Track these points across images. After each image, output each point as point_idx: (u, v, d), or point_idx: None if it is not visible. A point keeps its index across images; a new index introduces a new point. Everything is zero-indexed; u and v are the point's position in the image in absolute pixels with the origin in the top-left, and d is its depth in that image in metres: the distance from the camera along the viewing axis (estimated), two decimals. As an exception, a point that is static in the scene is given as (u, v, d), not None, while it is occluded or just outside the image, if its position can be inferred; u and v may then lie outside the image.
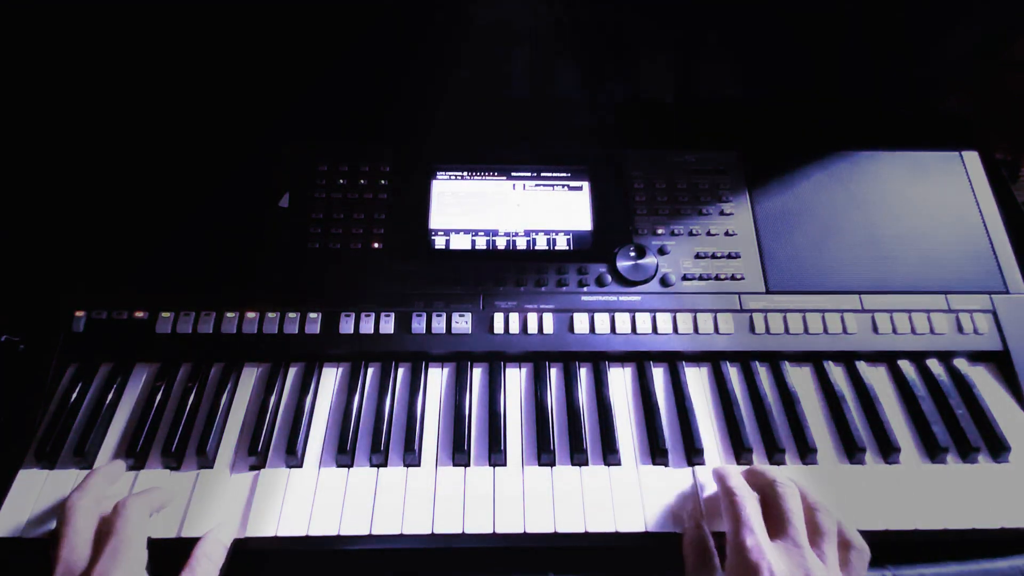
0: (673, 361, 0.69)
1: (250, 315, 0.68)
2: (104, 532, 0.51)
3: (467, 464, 0.61)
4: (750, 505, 0.52)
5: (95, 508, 0.53)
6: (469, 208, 0.77)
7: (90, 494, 0.54)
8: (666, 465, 0.62)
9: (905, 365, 0.69)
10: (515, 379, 0.68)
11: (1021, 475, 0.62)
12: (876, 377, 0.69)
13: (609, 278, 0.72)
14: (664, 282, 0.72)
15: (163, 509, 0.57)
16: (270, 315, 0.68)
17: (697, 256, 0.74)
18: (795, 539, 0.49)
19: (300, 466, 0.61)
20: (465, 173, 0.79)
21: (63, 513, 0.52)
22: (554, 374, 0.68)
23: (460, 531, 0.56)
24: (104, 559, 0.49)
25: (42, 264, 0.72)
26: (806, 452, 0.63)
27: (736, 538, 0.49)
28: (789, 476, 0.57)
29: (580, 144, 0.81)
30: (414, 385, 0.66)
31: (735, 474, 0.56)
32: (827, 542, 0.50)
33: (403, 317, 0.69)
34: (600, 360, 0.69)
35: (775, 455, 0.62)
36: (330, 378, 0.68)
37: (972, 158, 0.80)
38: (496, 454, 0.61)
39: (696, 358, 0.70)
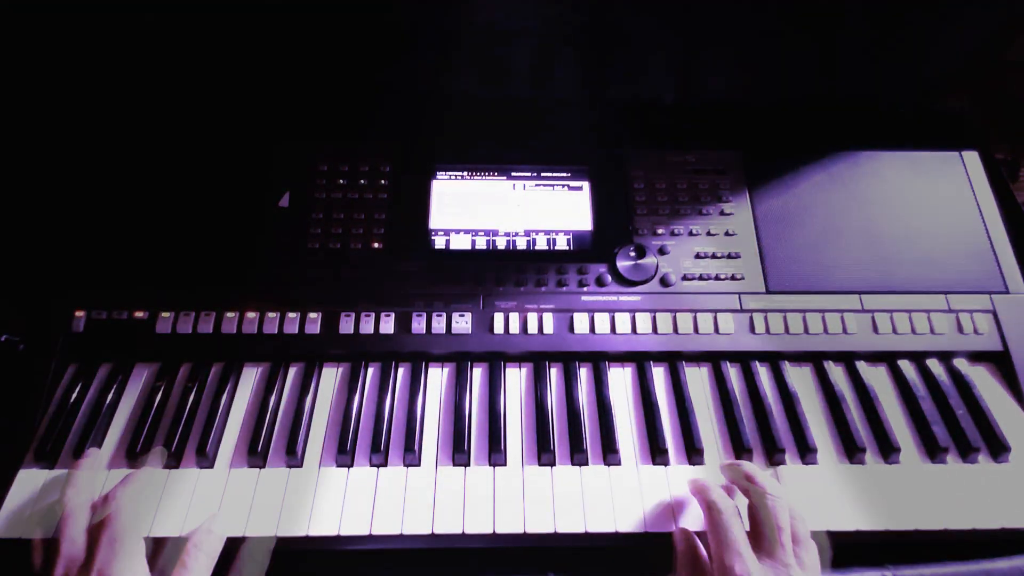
0: (673, 361, 0.69)
1: (250, 315, 0.68)
2: (98, 523, 0.52)
3: (467, 464, 0.61)
4: (735, 525, 0.52)
5: (87, 501, 0.55)
6: (469, 208, 0.77)
7: (80, 488, 0.56)
8: (666, 465, 0.62)
9: (905, 365, 0.69)
10: (515, 379, 0.68)
11: (1021, 475, 0.62)
12: (876, 377, 0.69)
13: (609, 278, 0.72)
14: (664, 282, 0.72)
15: (146, 490, 0.58)
16: (270, 315, 0.68)
17: (697, 256, 0.74)
18: (783, 560, 0.50)
19: (300, 466, 0.61)
20: (465, 173, 0.79)
21: (61, 510, 0.53)
22: (554, 374, 0.68)
23: (460, 531, 0.57)
24: (103, 549, 0.50)
25: (42, 264, 0.72)
26: (806, 452, 0.63)
27: (723, 562, 0.50)
28: (773, 476, 0.57)
29: (580, 144, 0.81)
30: (414, 385, 0.66)
31: (714, 485, 0.56)
32: (804, 550, 0.51)
33: (403, 317, 0.69)
34: (600, 360, 0.69)
35: (775, 455, 0.62)
36: (330, 378, 0.68)
37: (972, 158, 0.80)
38: (496, 454, 0.61)
39: (696, 358, 0.70)
